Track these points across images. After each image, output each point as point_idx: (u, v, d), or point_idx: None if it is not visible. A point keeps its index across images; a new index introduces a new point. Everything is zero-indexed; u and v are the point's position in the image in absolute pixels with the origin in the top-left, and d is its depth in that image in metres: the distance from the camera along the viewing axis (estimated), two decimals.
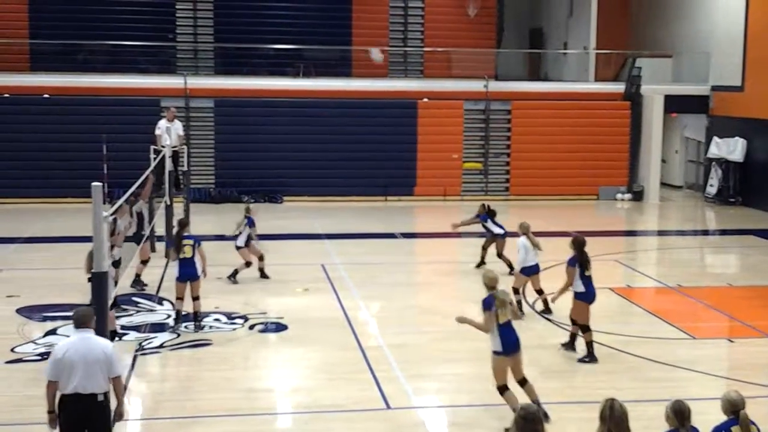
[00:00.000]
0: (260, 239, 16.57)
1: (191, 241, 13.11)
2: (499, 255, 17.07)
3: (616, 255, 19.46)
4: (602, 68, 30.27)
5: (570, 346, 12.31)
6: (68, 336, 8.16)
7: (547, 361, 12.08)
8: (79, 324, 7.77)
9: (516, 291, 14.01)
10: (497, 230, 17.28)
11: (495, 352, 9.58)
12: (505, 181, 28.16)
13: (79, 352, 7.59)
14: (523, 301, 14.27)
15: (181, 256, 13.00)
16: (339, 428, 9.79)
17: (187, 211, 19.00)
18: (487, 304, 9.58)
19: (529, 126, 27.89)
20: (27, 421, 9.74)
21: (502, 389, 9.57)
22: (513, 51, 32.69)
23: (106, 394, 7.66)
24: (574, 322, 12.18)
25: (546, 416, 9.13)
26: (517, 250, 14.28)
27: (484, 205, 17.97)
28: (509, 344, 9.54)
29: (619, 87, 28.79)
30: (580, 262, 11.81)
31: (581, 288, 11.78)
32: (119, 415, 7.87)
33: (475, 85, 27.91)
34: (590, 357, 11.92)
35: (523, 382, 9.72)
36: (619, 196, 27.96)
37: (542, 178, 27.71)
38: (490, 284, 9.71)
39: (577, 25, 31.62)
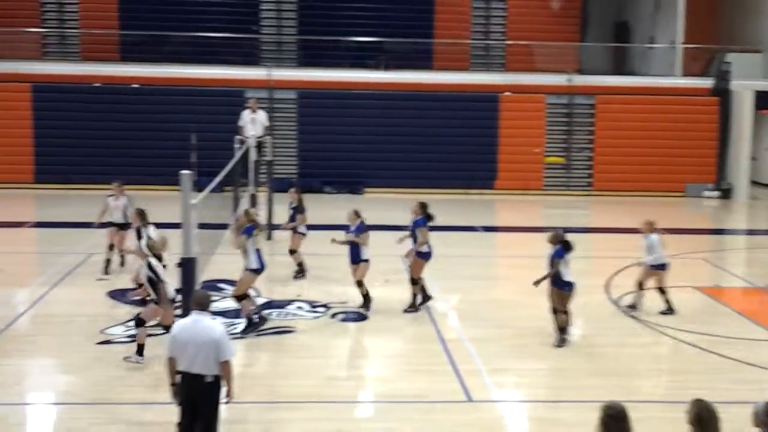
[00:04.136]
0: (338, 229, 16.63)
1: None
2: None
3: (703, 254, 19.03)
4: (690, 63, 29.57)
5: (414, 307, 13.74)
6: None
7: (631, 359, 11.91)
8: (195, 306, 7.98)
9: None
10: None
11: (250, 270, 12.58)
12: (588, 176, 27.79)
13: (189, 333, 7.83)
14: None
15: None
16: (419, 419, 9.79)
17: (270, 201, 19.22)
18: (248, 231, 12.59)
19: (614, 121, 27.47)
20: (115, 401, 10.01)
21: (243, 297, 12.57)
22: (597, 45, 32.16)
23: (216, 377, 7.80)
24: (415, 281, 13.79)
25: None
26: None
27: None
28: (263, 265, 12.71)
29: (707, 82, 28.10)
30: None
31: (427, 249, 13.66)
32: (228, 397, 8.00)
33: (558, 79, 27.59)
34: (413, 308, 13.72)
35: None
36: (706, 193, 27.31)
37: (627, 174, 27.27)
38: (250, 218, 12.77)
39: (663, 19, 30.93)
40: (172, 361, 7.95)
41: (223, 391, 7.96)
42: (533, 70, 29.07)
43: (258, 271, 12.89)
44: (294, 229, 16.13)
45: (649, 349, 12.47)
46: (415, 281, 13.96)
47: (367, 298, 13.81)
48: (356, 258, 13.67)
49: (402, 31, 29.13)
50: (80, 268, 16.18)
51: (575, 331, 13.66)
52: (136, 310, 13.53)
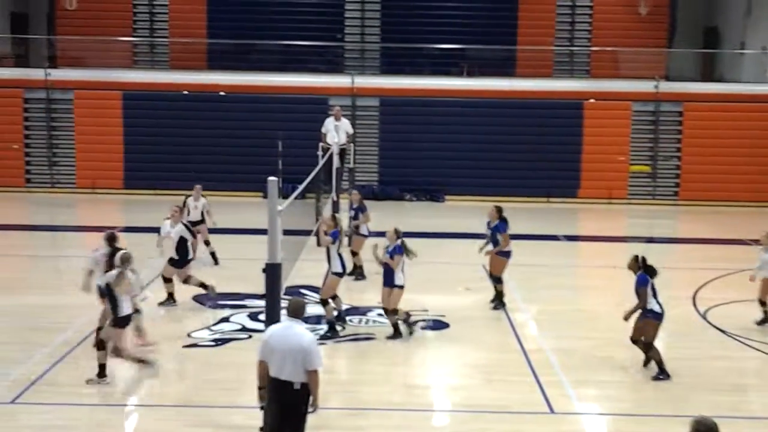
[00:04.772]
0: (419, 237, 16.76)
1: None
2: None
3: None
4: None
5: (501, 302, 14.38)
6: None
7: (719, 373, 11.62)
8: (290, 313, 8.07)
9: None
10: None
11: (335, 273, 12.73)
12: (675, 185, 27.22)
13: (280, 339, 7.91)
14: None
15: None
16: (500, 429, 9.74)
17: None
18: (334, 236, 12.71)
19: (702, 129, 26.85)
20: (202, 403, 10.21)
21: (327, 301, 12.74)
22: (685, 51, 31.47)
23: (304, 384, 7.85)
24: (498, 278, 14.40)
25: None
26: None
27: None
28: (345, 269, 12.92)
29: None
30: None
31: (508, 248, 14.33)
32: (313, 407, 8.03)
33: (645, 86, 27.11)
34: (501, 304, 14.42)
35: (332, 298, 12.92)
36: None
37: (715, 183, 26.62)
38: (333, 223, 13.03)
39: (755, 24, 30.06)
40: (262, 365, 8.01)
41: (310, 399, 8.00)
42: (619, 76, 28.60)
43: (341, 275, 13.05)
44: (356, 230, 16.33)
45: (738, 363, 12.16)
46: (499, 279, 14.40)
47: (396, 328, 12.70)
48: (389, 281, 12.58)
49: (485, 38, 28.98)
50: None
51: (660, 344, 13.42)
52: (220, 313, 13.85)
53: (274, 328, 8.15)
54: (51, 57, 28.92)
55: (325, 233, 13.04)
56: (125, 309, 10.47)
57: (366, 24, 30.40)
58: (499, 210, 14.36)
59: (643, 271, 11.19)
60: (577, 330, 13.58)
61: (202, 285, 14.23)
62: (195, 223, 16.88)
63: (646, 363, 11.52)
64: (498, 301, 14.51)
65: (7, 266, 17.05)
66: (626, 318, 11.25)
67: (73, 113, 27.11)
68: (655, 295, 11.16)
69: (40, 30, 30.21)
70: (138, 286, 10.88)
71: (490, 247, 14.43)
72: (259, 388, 8.14)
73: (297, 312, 8.06)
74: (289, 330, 7.94)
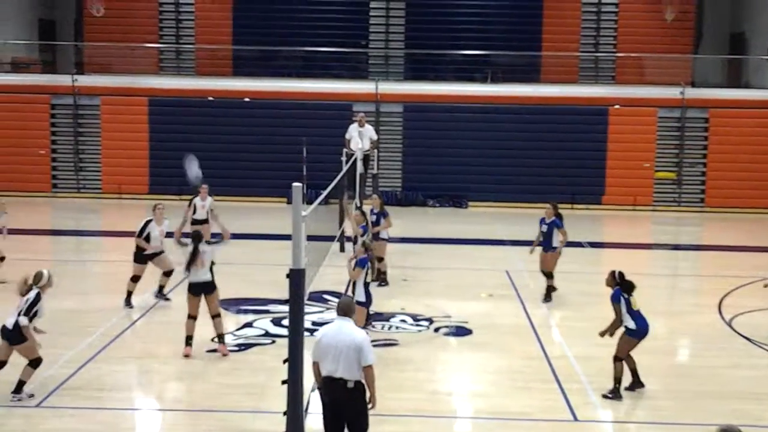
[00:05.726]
0: (441, 243, 16.68)
1: None
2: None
3: None
4: None
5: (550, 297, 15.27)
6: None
7: (745, 381, 11.51)
8: (339, 312, 8.15)
9: None
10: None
11: (357, 263, 11.86)
12: (701, 192, 27.04)
13: (332, 337, 7.98)
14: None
15: None
16: None
17: None
18: (364, 229, 14.01)
19: (728, 135, 26.68)
20: (225, 408, 10.24)
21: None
22: (712, 57, 31.25)
23: (357, 383, 7.90)
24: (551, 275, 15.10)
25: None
26: None
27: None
28: (361, 262, 11.88)
29: None
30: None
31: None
32: (371, 403, 8.04)
33: (671, 92, 26.97)
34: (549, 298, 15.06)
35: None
36: None
37: (742, 190, 26.43)
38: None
39: None
40: (316, 366, 8.07)
41: (366, 396, 8.01)
42: (644, 82, 28.47)
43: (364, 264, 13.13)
44: (377, 235, 16.15)
45: (764, 372, 12.02)
46: (550, 274, 15.18)
47: None
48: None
49: (509, 44, 28.95)
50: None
51: (685, 352, 13.34)
52: (243, 318, 13.90)
53: (326, 328, 8.20)
54: (78, 63, 29.24)
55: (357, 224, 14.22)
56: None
57: (390, 30, 30.46)
58: (555, 207, 15.09)
59: (620, 287, 10.77)
60: (600, 337, 13.47)
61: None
62: (200, 222, 17.36)
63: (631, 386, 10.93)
64: (547, 295, 15.26)
65: (33, 271, 17.20)
66: (602, 335, 10.87)
67: (99, 119, 27.37)
68: (630, 311, 10.67)
69: (68, 37, 30.56)
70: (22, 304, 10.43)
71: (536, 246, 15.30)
72: (318, 389, 8.21)
73: (347, 311, 8.14)
74: (341, 328, 8.01)
